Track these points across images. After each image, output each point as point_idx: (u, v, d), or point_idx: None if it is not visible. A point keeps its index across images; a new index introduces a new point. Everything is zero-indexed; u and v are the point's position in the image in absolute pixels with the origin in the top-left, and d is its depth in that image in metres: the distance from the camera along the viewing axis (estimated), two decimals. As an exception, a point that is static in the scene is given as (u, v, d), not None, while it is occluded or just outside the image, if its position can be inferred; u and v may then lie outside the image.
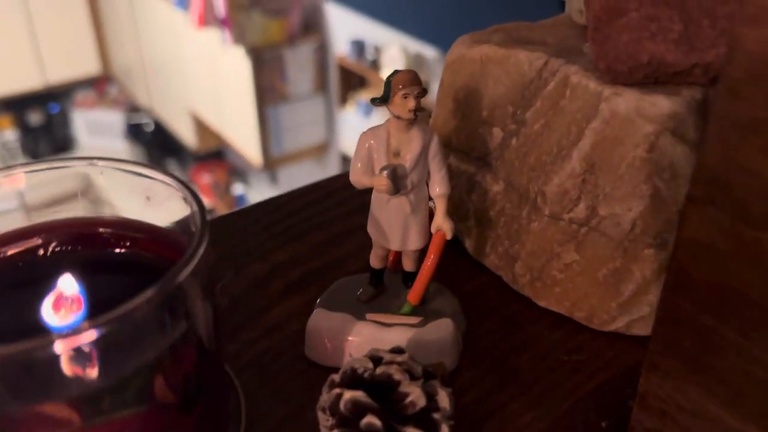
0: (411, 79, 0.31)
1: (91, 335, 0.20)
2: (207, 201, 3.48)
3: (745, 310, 0.23)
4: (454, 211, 0.40)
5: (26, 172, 0.27)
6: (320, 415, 0.27)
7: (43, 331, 0.24)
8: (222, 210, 3.41)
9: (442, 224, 0.33)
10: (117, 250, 0.28)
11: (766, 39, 0.19)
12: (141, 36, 3.45)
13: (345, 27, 2.66)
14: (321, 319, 0.34)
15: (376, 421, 0.25)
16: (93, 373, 0.21)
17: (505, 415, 0.31)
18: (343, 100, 2.77)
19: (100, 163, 0.27)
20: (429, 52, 2.29)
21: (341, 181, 0.47)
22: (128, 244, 0.28)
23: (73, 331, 0.20)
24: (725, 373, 0.24)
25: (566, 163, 0.33)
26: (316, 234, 0.43)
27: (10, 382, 0.21)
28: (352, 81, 2.72)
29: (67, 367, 0.21)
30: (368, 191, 0.33)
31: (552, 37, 0.37)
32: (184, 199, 0.26)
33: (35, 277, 0.27)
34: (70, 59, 3.68)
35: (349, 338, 0.33)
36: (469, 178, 0.39)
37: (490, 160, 0.38)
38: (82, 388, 0.22)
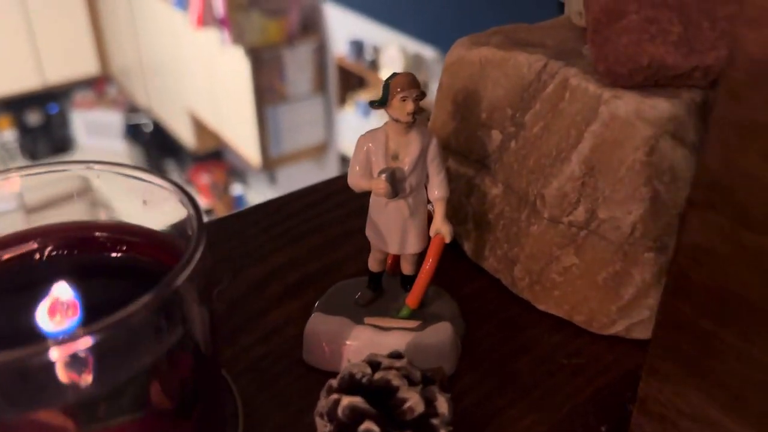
0: (409, 82, 0.30)
1: (86, 342, 0.20)
2: (205, 201, 3.48)
3: (745, 315, 0.22)
4: (453, 213, 0.40)
5: (22, 176, 0.27)
6: (318, 420, 0.26)
7: (38, 337, 0.24)
8: (221, 210, 3.41)
9: (441, 228, 0.33)
10: (113, 255, 0.28)
11: (767, 41, 0.19)
12: (140, 36, 3.45)
13: (344, 27, 2.65)
14: (319, 323, 0.34)
15: (374, 428, 0.24)
16: (88, 379, 0.21)
17: (504, 419, 0.31)
18: (342, 100, 2.77)
19: (97, 166, 0.27)
20: (428, 52, 2.29)
21: (340, 183, 0.47)
22: (124, 248, 0.28)
23: (69, 337, 0.20)
24: (725, 378, 0.24)
25: (565, 166, 0.33)
26: (314, 237, 0.42)
27: (5, 388, 0.21)
28: (351, 81, 2.72)
29: (62, 374, 0.21)
30: (367, 194, 0.33)
31: (551, 39, 0.37)
32: (181, 202, 0.26)
33: (31, 281, 0.27)
34: (68, 59, 3.68)
35: (348, 342, 0.33)
36: (468, 181, 0.39)
37: (489, 163, 0.38)
38: (77, 395, 0.21)
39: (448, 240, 0.33)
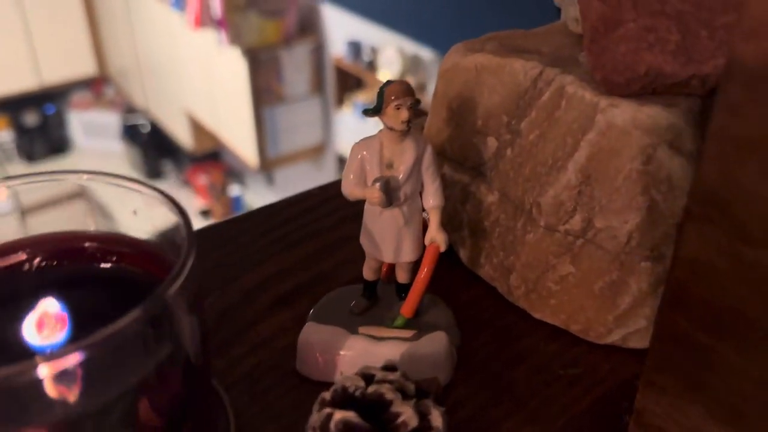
0: (404, 90, 0.30)
1: (75, 358, 0.20)
2: (203, 202, 3.47)
3: (742, 329, 0.22)
4: (448, 221, 0.39)
5: (8, 186, 0.26)
6: (310, 434, 0.26)
7: (25, 351, 0.23)
8: (218, 211, 3.40)
9: (436, 236, 0.33)
10: (102, 265, 0.27)
11: (765, 54, 0.19)
12: (137, 37, 3.44)
13: (341, 28, 2.65)
14: (312, 333, 0.33)
15: (367, 442, 0.24)
16: (75, 396, 0.21)
17: (499, 431, 0.31)
18: (340, 101, 2.76)
19: (86, 176, 0.26)
20: (426, 53, 2.29)
21: (335, 188, 0.47)
22: (114, 258, 0.27)
23: (57, 354, 0.19)
24: (723, 391, 0.24)
25: (562, 175, 0.33)
26: (308, 244, 0.42)
27: (-10, 406, 0.20)
28: (348, 82, 2.72)
29: (49, 391, 0.20)
30: (362, 201, 0.33)
31: (547, 45, 0.37)
32: (171, 213, 0.25)
33: (19, 293, 0.27)
34: (65, 60, 3.67)
35: (341, 352, 0.32)
36: (463, 188, 0.38)
37: (484, 170, 0.37)
38: (64, 413, 0.21)
39: (443, 249, 0.33)
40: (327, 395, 0.26)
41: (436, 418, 0.26)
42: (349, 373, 0.28)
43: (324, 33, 2.78)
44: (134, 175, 3.58)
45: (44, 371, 0.20)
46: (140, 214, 0.27)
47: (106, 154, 3.74)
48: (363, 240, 0.34)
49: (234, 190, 3.49)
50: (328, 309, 0.35)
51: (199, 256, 0.41)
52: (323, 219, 0.44)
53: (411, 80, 2.28)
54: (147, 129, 3.72)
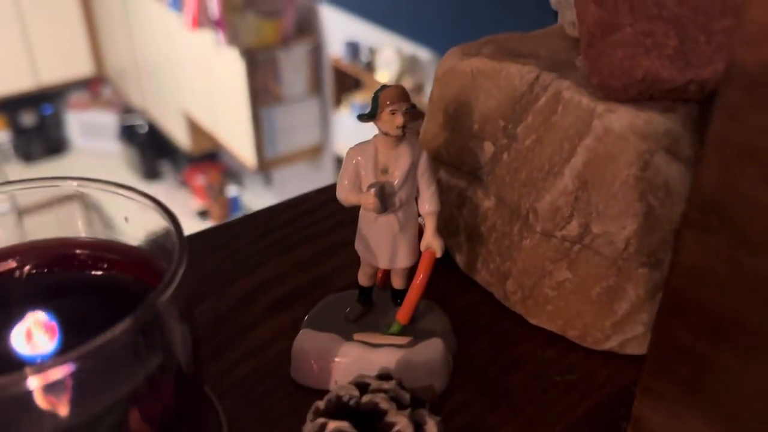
0: (399, 95, 0.30)
1: (65, 369, 0.19)
2: (201, 203, 3.47)
3: (741, 337, 0.22)
4: (445, 225, 0.39)
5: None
6: (304, 444, 0.26)
7: (14, 361, 0.23)
8: (216, 211, 3.40)
9: (432, 242, 0.33)
10: (93, 273, 0.27)
11: (765, 59, 0.18)
12: (135, 37, 3.44)
13: (339, 28, 2.65)
14: (307, 340, 0.33)
15: (361, 453, 0.24)
16: (65, 407, 0.20)
17: (495, 439, 0.30)
18: (338, 101, 2.76)
19: (75, 183, 0.26)
20: (423, 54, 2.28)
21: (330, 192, 0.47)
22: (105, 266, 0.27)
23: (46, 365, 0.19)
24: (721, 399, 0.24)
25: (558, 180, 0.32)
26: (303, 248, 0.42)
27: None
28: (346, 83, 2.71)
29: (38, 402, 0.20)
30: (357, 206, 0.32)
31: (544, 49, 0.36)
32: (163, 220, 0.25)
33: (9, 301, 0.26)
34: (63, 60, 3.67)
35: (336, 359, 0.32)
36: (459, 193, 0.38)
37: (481, 175, 0.37)
38: (53, 424, 0.21)
39: (439, 255, 0.33)
40: (321, 404, 0.26)
41: (432, 427, 0.25)
42: (344, 381, 0.28)
43: (322, 33, 2.78)
44: (132, 175, 3.59)
45: (34, 383, 0.19)
46: (134, 218, 0.27)
47: (103, 155, 3.73)
48: (358, 246, 0.34)
49: (232, 190, 3.48)
50: (322, 315, 0.35)
51: (194, 261, 0.41)
52: (320, 222, 0.44)
53: (409, 81, 2.28)
54: (144, 129, 3.71)
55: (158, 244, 0.26)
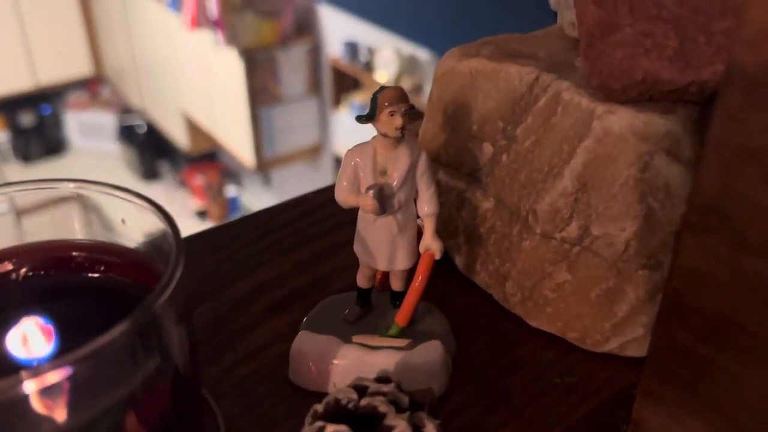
0: (398, 96, 0.30)
1: (61, 373, 0.19)
2: (200, 203, 3.46)
3: (742, 340, 0.22)
4: (444, 227, 0.39)
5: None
6: (302, 447, 0.26)
7: (10, 365, 0.23)
8: (215, 211, 3.39)
9: (431, 244, 0.33)
10: (90, 275, 0.27)
11: (765, 60, 0.18)
12: (133, 37, 3.43)
13: (338, 28, 2.65)
14: (305, 342, 0.33)
15: (359, 456, 0.24)
16: (60, 412, 0.20)
17: (495, 441, 0.30)
18: (337, 101, 2.76)
19: (72, 185, 0.26)
20: (423, 54, 2.28)
21: (330, 193, 0.46)
22: (102, 268, 0.27)
23: (43, 369, 0.19)
24: (722, 402, 0.23)
25: (558, 182, 0.32)
26: (302, 250, 0.42)
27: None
28: (345, 83, 2.71)
29: (34, 406, 0.20)
30: (356, 207, 0.32)
31: (543, 50, 0.36)
32: (160, 222, 0.25)
33: (5, 304, 0.26)
34: (62, 60, 3.66)
35: (335, 362, 0.32)
36: (458, 195, 0.38)
37: (480, 176, 0.37)
38: (49, 429, 0.20)
39: (438, 257, 0.33)
40: (319, 407, 0.26)
41: (431, 430, 0.25)
42: (343, 383, 0.28)
43: (321, 33, 2.77)
44: (130, 175, 3.59)
45: (30, 387, 0.19)
46: (132, 220, 0.27)
47: (102, 155, 3.73)
48: (357, 248, 0.34)
49: (230, 190, 3.48)
50: (321, 317, 0.35)
51: (193, 261, 0.41)
52: (320, 223, 0.44)
53: (408, 81, 2.28)
54: (143, 129, 3.71)
55: (156, 246, 0.26)
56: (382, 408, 0.25)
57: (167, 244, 0.24)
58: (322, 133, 2.96)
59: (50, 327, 0.24)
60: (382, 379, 0.27)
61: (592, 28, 0.29)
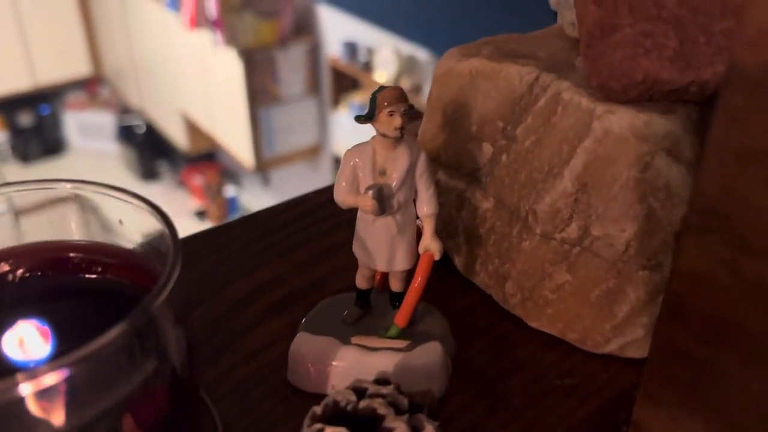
0: (397, 96, 0.29)
1: (58, 375, 0.19)
2: (199, 203, 3.46)
3: (743, 343, 0.22)
4: (444, 227, 0.39)
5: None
6: (301, 449, 0.25)
7: (6, 367, 0.23)
8: (214, 212, 3.39)
9: (431, 245, 0.32)
10: (88, 276, 0.27)
11: (766, 61, 0.18)
12: (132, 37, 3.43)
13: (337, 28, 2.64)
14: (304, 343, 0.33)
15: (358, 459, 0.24)
16: (57, 414, 0.20)
17: (494, 443, 0.30)
18: (336, 101, 2.76)
19: (69, 185, 0.26)
20: (422, 54, 2.28)
21: (329, 193, 0.46)
22: (99, 269, 0.27)
23: (40, 371, 0.19)
24: (722, 405, 0.23)
25: (558, 182, 0.32)
26: (301, 250, 0.41)
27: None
28: (344, 83, 2.71)
29: (30, 409, 0.20)
30: (355, 208, 0.32)
31: (543, 50, 0.36)
32: (158, 222, 0.25)
33: (2, 305, 0.26)
34: (60, 60, 3.66)
35: (334, 363, 0.32)
36: (458, 195, 0.38)
37: (480, 176, 0.37)
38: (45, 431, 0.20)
39: (437, 257, 0.33)
40: (318, 409, 0.26)
41: (430, 432, 0.25)
42: (342, 385, 0.28)
43: (320, 33, 2.77)
44: (129, 175, 3.59)
45: (26, 389, 0.19)
46: (130, 221, 0.27)
47: (101, 155, 3.73)
48: (356, 248, 0.34)
49: (229, 190, 3.48)
50: (320, 318, 0.35)
51: (191, 262, 0.41)
52: (319, 224, 0.44)
53: (407, 81, 2.28)
54: (142, 129, 3.71)
55: (153, 247, 0.26)
56: (382, 410, 0.25)
57: (165, 245, 0.24)
58: (322, 134, 2.96)
59: (47, 328, 0.23)
60: (381, 380, 0.27)
61: (592, 28, 0.29)
